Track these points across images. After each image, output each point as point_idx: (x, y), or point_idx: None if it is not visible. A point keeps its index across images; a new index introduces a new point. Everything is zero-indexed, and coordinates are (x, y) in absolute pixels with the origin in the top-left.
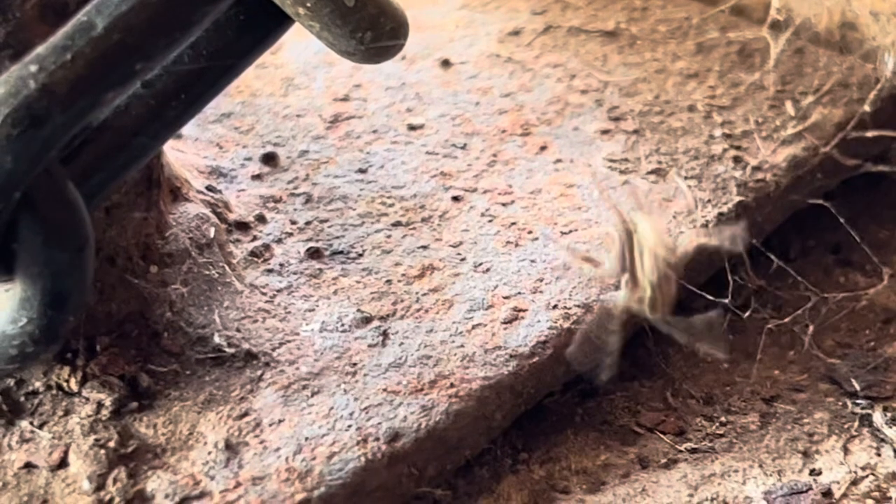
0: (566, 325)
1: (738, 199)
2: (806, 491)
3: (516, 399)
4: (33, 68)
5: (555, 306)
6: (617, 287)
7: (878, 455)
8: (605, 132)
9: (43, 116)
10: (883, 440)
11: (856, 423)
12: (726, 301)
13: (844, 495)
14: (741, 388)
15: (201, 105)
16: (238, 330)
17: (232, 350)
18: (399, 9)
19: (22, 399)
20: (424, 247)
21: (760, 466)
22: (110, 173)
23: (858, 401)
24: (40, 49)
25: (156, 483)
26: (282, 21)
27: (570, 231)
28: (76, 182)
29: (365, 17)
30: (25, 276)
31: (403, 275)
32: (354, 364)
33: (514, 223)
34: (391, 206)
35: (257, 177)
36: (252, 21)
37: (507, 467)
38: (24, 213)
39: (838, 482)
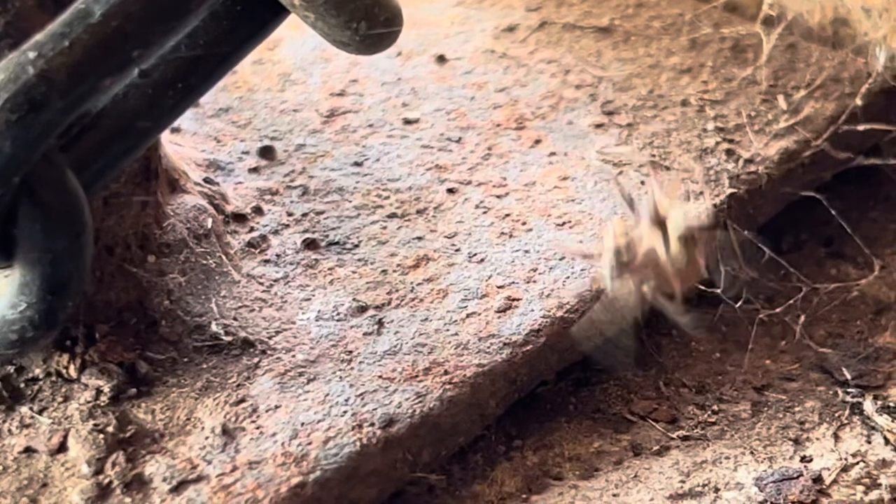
0: (559, 313)
1: (730, 191)
2: (796, 477)
3: (510, 386)
4: (32, 55)
5: (548, 295)
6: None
7: (869, 442)
8: (598, 126)
9: (41, 102)
10: (873, 428)
11: (846, 412)
12: (719, 291)
13: (835, 481)
14: (733, 377)
15: (198, 94)
16: (235, 318)
17: (229, 338)
18: None
19: (22, 385)
20: (419, 238)
21: (752, 453)
22: (108, 161)
23: (849, 389)
24: (39, 36)
25: (154, 467)
26: (277, 11)
27: (564, 223)
28: (75, 169)
29: (359, 8)
30: (25, 261)
31: (399, 265)
32: (350, 352)
33: (508, 215)
34: (387, 198)
35: (254, 170)
36: (248, 11)
37: (502, 454)
38: (24, 199)
39: (829, 469)
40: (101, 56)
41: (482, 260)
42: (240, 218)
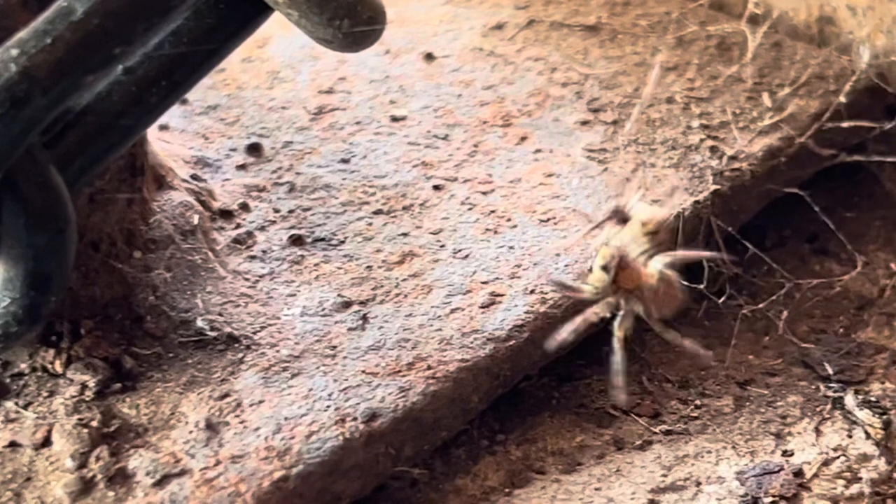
0: (542, 309)
1: (713, 187)
2: (777, 471)
3: (493, 381)
4: (14, 52)
5: (531, 291)
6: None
7: (850, 437)
8: (584, 123)
9: (23, 99)
10: (854, 422)
11: (828, 406)
12: (702, 287)
13: (815, 475)
14: (716, 372)
15: (182, 91)
16: (220, 314)
17: (214, 333)
18: None
19: (7, 380)
20: (405, 234)
21: (733, 447)
22: (92, 158)
23: (831, 384)
24: (22, 33)
25: (137, 461)
26: (261, 9)
27: (549, 219)
28: (59, 166)
29: (342, 5)
30: (8, 257)
31: (384, 261)
32: (334, 347)
33: (493, 211)
34: (373, 194)
35: (242, 167)
36: (232, 9)
37: (485, 448)
38: (6, 195)
39: (810, 463)
40: (83, 53)
41: (467, 256)
42: (226, 214)
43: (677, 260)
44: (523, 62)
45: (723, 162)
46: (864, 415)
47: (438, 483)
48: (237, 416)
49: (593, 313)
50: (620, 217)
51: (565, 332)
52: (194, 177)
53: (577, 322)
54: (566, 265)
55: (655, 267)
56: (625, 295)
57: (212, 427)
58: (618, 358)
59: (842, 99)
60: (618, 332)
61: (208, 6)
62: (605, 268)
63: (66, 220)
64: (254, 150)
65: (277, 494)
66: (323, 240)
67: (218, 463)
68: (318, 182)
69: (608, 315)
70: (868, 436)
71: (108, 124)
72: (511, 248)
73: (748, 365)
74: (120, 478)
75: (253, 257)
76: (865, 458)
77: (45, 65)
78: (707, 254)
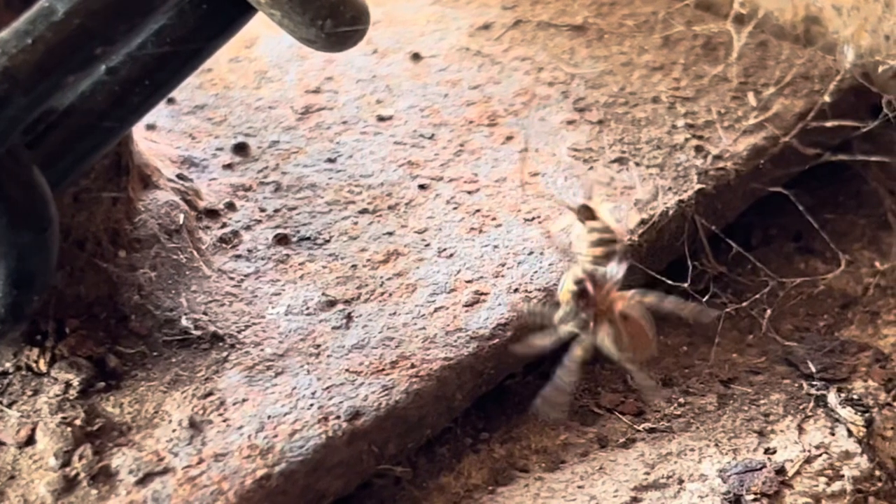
0: (527, 308)
1: (698, 186)
2: (760, 469)
3: (476, 379)
4: None
5: (516, 290)
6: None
7: (832, 434)
8: (570, 122)
9: (4, 99)
10: (837, 420)
11: (811, 404)
12: (686, 286)
13: (798, 473)
14: (700, 370)
15: (165, 91)
16: (205, 313)
17: (198, 332)
18: None
19: None
20: (390, 233)
21: (716, 445)
22: (76, 158)
23: (814, 382)
24: (3, 34)
25: (120, 459)
26: (244, 9)
27: (534, 218)
28: (42, 166)
29: (325, 5)
30: None
31: (369, 260)
32: (318, 346)
33: (478, 210)
34: (359, 194)
35: (228, 166)
36: (215, 9)
37: (468, 446)
38: None
39: (792, 460)
40: (63, 53)
41: (451, 255)
42: (212, 214)
43: (658, 304)
44: (510, 62)
45: (707, 161)
46: (846, 413)
47: (422, 481)
48: (220, 414)
49: (564, 331)
50: (586, 214)
51: (533, 343)
52: (180, 176)
53: (546, 339)
54: (549, 264)
55: (634, 297)
56: (595, 317)
57: (195, 425)
58: (569, 377)
59: (826, 98)
60: (577, 350)
61: (191, 6)
62: (576, 287)
63: (49, 220)
64: (240, 149)
65: (260, 492)
66: (308, 239)
67: (201, 461)
68: (304, 181)
69: (576, 332)
70: (850, 433)
71: (92, 124)
72: (496, 247)
73: (732, 363)
74: (103, 476)
75: (238, 256)
76: (847, 455)
77: (26, 65)
78: (689, 306)
